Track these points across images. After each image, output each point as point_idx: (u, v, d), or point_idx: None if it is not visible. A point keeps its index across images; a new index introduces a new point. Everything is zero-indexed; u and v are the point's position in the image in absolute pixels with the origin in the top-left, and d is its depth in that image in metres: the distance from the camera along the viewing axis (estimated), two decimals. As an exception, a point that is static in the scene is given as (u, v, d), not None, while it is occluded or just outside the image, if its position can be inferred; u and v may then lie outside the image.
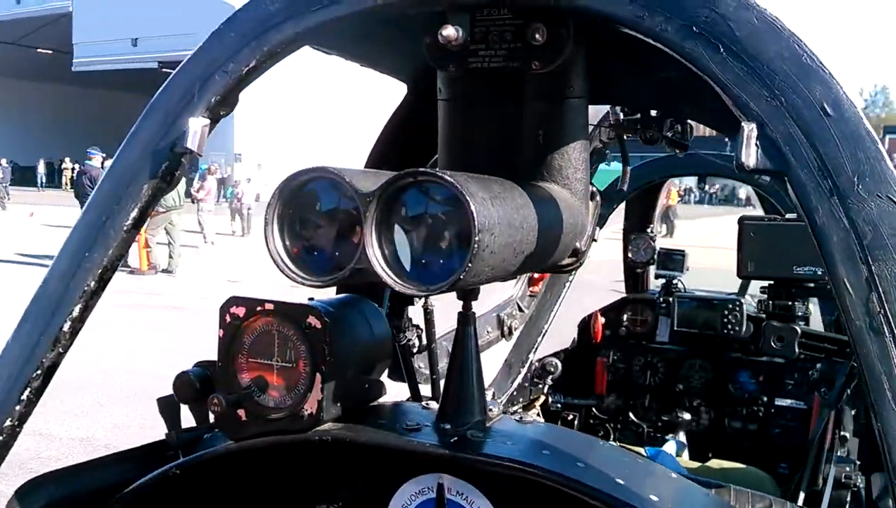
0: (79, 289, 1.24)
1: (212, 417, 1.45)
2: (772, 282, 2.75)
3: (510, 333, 3.16)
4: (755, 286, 3.76)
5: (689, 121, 1.73)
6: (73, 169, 40.55)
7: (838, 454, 2.22)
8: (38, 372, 1.24)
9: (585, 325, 3.85)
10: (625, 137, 1.75)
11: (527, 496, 1.17)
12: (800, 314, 2.67)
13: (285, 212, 1.12)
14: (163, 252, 15.61)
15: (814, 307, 3.63)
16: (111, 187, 1.27)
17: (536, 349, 3.47)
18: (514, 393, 3.39)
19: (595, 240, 1.44)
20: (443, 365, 2.20)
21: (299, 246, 1.13)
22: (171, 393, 1.39)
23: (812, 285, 2.81)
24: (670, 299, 3.67)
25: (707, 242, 15.95)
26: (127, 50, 44.45)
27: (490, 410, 1.29)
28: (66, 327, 1.24)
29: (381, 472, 1.26)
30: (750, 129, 0.95)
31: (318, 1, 1.16)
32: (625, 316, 3.83)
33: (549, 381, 3.53)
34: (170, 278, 15.23)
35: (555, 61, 1.23)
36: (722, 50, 0.97)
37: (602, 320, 3.82)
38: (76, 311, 1.24)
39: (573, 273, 3.38)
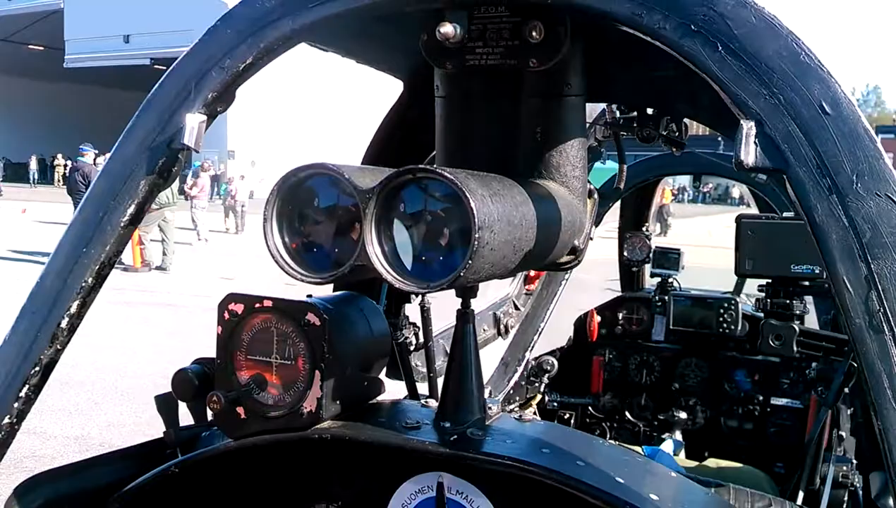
0: (76, 286, 1.24)
1: (210, 415, 1.44)
2: (769, 281, 2.76)
3: (506, 331, 3.16)
4: (750, 285, 3.76)
5: (686, 119, 1.73)
6: (65, 165, 40.41)
7: (835, 453, 2.22)
8: (36, 369, 1.23)
9: (581, 324, 3.85)
10: (621, 135, 1.76)
11: (527, 494, 1.17)
12: (798, 312, 2.68)
13: (284, 208, 1.12)
14: (156, 249, 15.56)
15: (809, 305, 3.64)
16: (108, 183, 1.26)
17: (533, 347, 3.47)
18: (511, 392, 3.39)
19: (591, 239, 1.44)
20: (439, 362, 2.20)
21: (298, 242, 1.13)
22: (169, 390, 1.39)
23: (807, 283, 2.81)
24: (666, 298, 3.67)
25: (701, 241, 15.98)
26: (119, 46, 44.28)
27: (489, 408, 1.29)
28: (63, 323, 1.24)
29: (381, 470, 1.26)
30: (749, 127, 0.95)
31: None
32: (620, 315, 3.83)
33: (545, 380, 3.54)
34: (163, 275, 15.18)
35: (552, 59, 1.23)
36: (720, 48, 0.97)
37: (598, 319, 3.82)
38: (74, 308, 1.24)
39: (569, 271, 3.39)
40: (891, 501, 1.75)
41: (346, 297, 1.38)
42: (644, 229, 4.23)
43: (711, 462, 3.00)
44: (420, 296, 1.97)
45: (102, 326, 8.76)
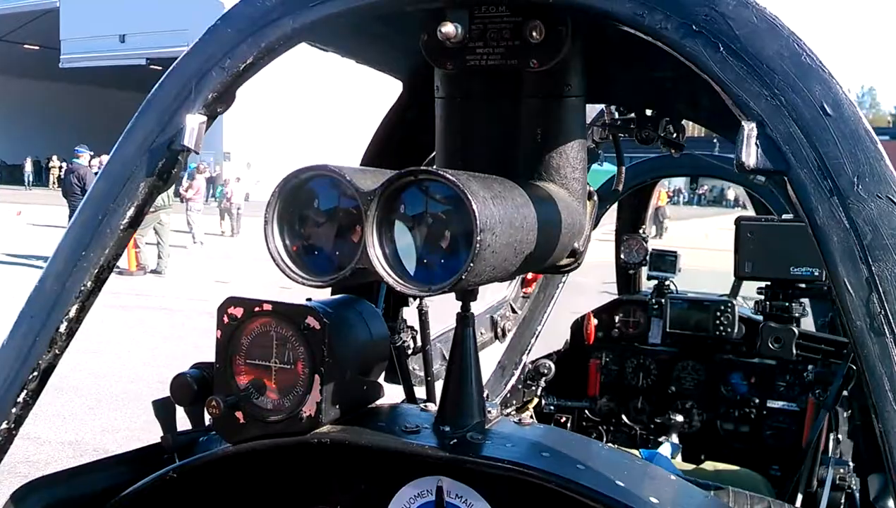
0: (75, 289, 1.23)
1: (207, 419, 1.44)
2: (768, 283, 2.76)
3: (503, 335, 3.16)
4: (746, 288, 3.77)
5: (684, 121, 1.73)
6: (60, 167, 40.30)
7: (832, 455, 2.22)
8: (35, 373, 1.23)
9: (578, 327, 3.85)
10: (619, 137, 1.75)
11: (527, 498, 1.17)
12: (797, 315, 2.68)
13: (285, 211, 1.11)
14: (152, 252, 15.53)
15: (806, 308, 3.64)
16: (107, 185, 1.26)
17: (530, 351, 3.47)
18: (508, 396, 3.39)
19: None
20: (437, 366, 2.20)
21: (299, 245, 1.12)
22: (166, 395, 1.38)
23: (803, 286, 2.81)
24: (662, 300, 3.67)
25: (697, 244, 16.01)
26: (115, 46, 44.16)
27: (489, 412, 1.29)
28: (62, 327, 1.23)
29: (380, 475, 1.25)
30: (750, 129, 0.95)
31: None
32: (617, 318, 3.83)
33: (542, 383, 3.53)
34: (159, 278, 15.16)
35: (553, 59, 1.23)
36: (721, 49, 0.97)
37: (595, 322, 3.82)
38: (73, 311, 1.23)
39: (567, 274, 3.39)
40: (890, 503, 1.75)
41: (345, 301, 1.37)
42: (641, 231, 4.23)
43: (709, 465, 3.01)
44: (418, 300, 1.97)
45: (97, 330, 8.73)
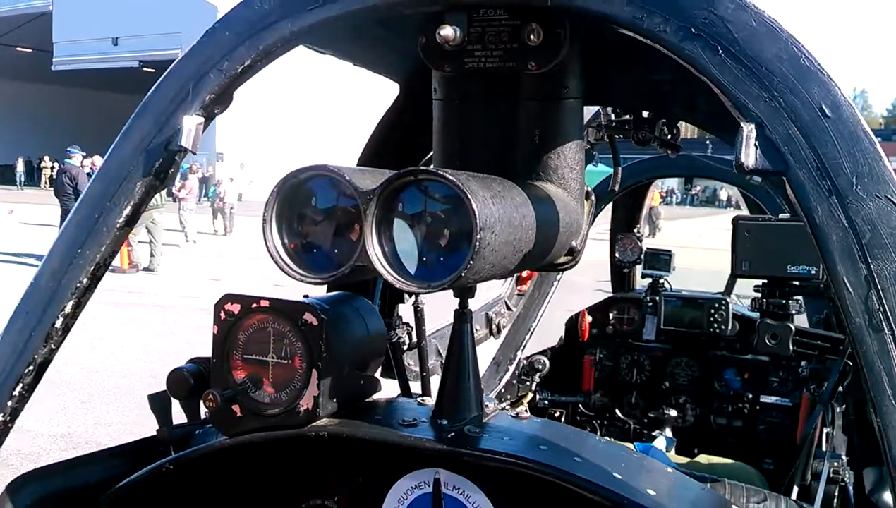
0: (71, 286, 1.23)
1: (203, 413, 1.44)
2: (765, 281, 2.78)
3: (498, 331, 3.17)
4: (740, 286, 3.78)
5: (681, 122, 1.74)
6: (52, 167, 40.13)
7: (824, 449, 2.24)
8: (31, 367, 1.23)
9: (573, 324, 3.86)
10: (615, 138, 1.76)
11: (524, 491, 1.18)
12: (793, 312, 2.70)
13: (284, 210, 1.11)
14: (144, 250, 15.49)
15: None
16: (103, 185, 1.26)
17: (524, 347, 3.48)
18: (503, 391, 3.40)
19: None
20: (431, 362, 2.20)
21: (298, 243, 1.12)
22: (162, 389, 1.39)
23: (797, 283, 2.83)
24: (657, 298, 3.68)
25: (689, 243, 16.06)
26: (107, 49, 44.01)
27: (486, 406, 1.29)
28: (58, 323, 1.23)
29: (378, 467, 1.26)
30: (749, 130, 0.96)
31: (315, 0, 1.16)
32: (612, 315, 3.85)
33: (536, 379, 3.55)
34: (151, 276, 15.11)
35: (551, 62, 1.23)
36: (720, 51, 0.98)
37: (589, 319, 3.83)
38: (68, 308, 1.24)
39: (562, 272, 3.40)
40: (885, 495, 1.77)
41: (342, 297, 1.38)
42: (635, 231, 4.25)
43: (703, 459, 3.02)
44: (414, 297, 1.97)
45: (90, 326, 8.71)
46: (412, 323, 2.06)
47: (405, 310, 2.05)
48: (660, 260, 3.92)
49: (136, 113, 1.26)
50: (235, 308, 1.24)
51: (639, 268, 4.13)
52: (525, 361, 3.53)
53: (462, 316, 1.29)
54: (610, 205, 4.17)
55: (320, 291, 1.48)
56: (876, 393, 0.90)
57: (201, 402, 1.27)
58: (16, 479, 1.31)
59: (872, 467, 1.84)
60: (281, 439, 1.22)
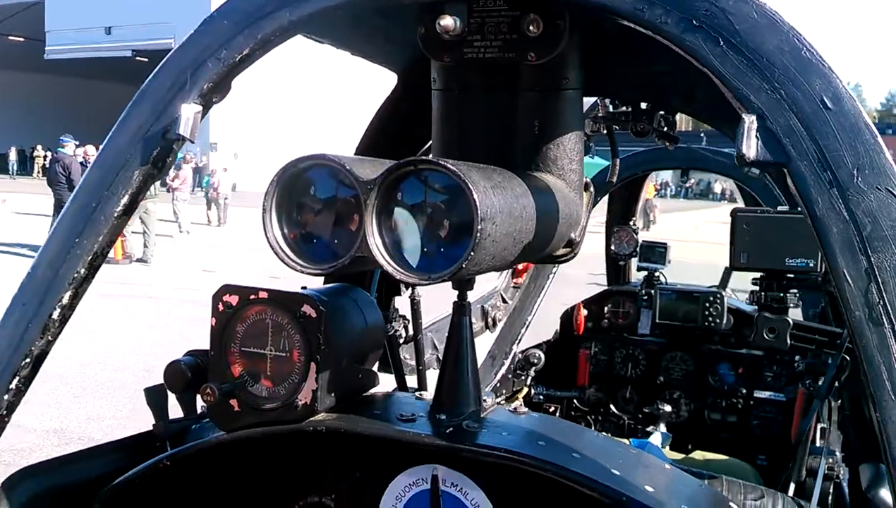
0: (68, 276, 1.22)
1: (199, 407, 1.43)
2: (763, 274, 2.78)
3: (494, 325, 3.17)
4: (735, 280, 3.78)
5: (679, 115, 1.74)
6: (44, 156, 39.93)
7: (818, 445, 2.25)
8: (27, 360, 1.22)
9: (568, 317, 3.86)
10: (613, 129, 1.76)
11: (522, 487, 1.17)
12: (791, 305, 2.71)
13: (283, 199, 1.11)
14: (138, 241, 15.44)
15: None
16: (101, 174, 1.25)
17: (520, 340, 3.47)
18: (498, 385, 3.40)
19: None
20: (427, 355, 2.20)
21: (297, 233, 1.12)
22: (158, 382, 1.38)
23: (791, 276, 2.83)
24: (652, 291, 3.68)
25: (684, 236, 16.08)
26: (100, 38, 43.72)
27: (484, 401, 1.29)
28: (55, 314, 1.22)
29: (376, 463, 1.25)
30: (750, 122, 0.96)
31: None
32: (607, 309, 3.84)
33: (532, 373, 3.54)
34: (145, 267, 15.07)
35: (551, 53, 1.23)
36: (722, 43, 0.97)
37: (584, 312, 3.83)
38: (66, 298, 1.22)
39: (557, 265, 3.39)
40: (882, 491, 1.77)
41: (340, 289, 1.37)
42: (631, 223, 4.24)
43: (698, 455, 3.02)
44: (410, 289, 1.97)
45: (83, 318, 8.67)
46: (408, 316, 2.06)
47: (401, 303, 2.05)
48: (655, 253, 3.91)
49: (134, 101, 1.25)
50: (234, 299, 1.23)
51: (634, 261, 4.12)
52: (520, 355, 3.53)
53: (461, 308, 1.29)
54: (606, 198, 4.17)
55: (317, 282, 1.48)
56: (875, 387, 0.90)
57: (198, 396, 1.26)
58: (12, 475, 1.30)
59: (869, 463, 1.84)
60: (279, 434, 1.22)
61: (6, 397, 1.22)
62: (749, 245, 2.65)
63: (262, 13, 1.17)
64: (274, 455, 1.32)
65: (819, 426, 2.28)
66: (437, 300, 2.03)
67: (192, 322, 9.46)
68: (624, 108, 1.71)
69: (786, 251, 2.59)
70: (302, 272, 1.10)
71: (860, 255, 0.91)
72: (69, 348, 7.82)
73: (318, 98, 40.18)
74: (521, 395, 3.51)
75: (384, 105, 1.77)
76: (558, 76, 1.31)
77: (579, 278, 8.59)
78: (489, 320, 3.12)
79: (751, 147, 0.95)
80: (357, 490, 1.28)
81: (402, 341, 2.04)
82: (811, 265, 2.55)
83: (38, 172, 43.14)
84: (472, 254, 1.00)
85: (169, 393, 1.37)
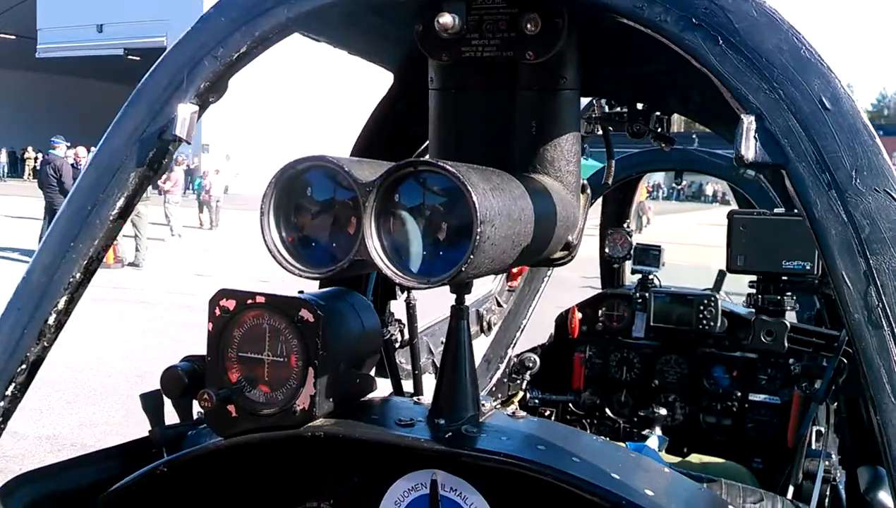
0: (64, 281, 1.21)
1: (195, 413, 1.42)
2: (760, 277, 2.79)
3: (489, 328, 3.16)
4: (729, 283, 3.78)
5: (674, 116, 1.74)
6: (36, 158, 39.74)
7: (814, 448, 2.25)
8: (23, 366, 1.20)
9: (563, 321, 3.85)
10: (609, 130, 1.76)
11: (522, 491, 1.17)
12: (788, 308, 2.71)
13: (281, 202, 1.10)
14: (129, 244, 15.36)
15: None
16: (96, 176, 1.24)
17: (515, 344, 3.47)
18: (493, 389, 3.39)
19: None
20: (423, 360, 2.19)
21: (295, 237, 1.11)
22: (154, 388, 1.37)
23: (785, 278, 2.84)
24: (646, 294, 3.68)
25: (677, 239, 16.11)
26: (92, 36, 43.50)
27: (483, 405, 1.28)
28: (51, 320, 1.21)
29: (375, 468, 1.24)
30: (749, 122, 0.95)
31: None
32: (601, 312, 3.84)
33: (527, 377, 3.53)
34: (136, 271, 14.99)
35: (549, 52, 1.23)
36: (721, 42, 0.97)
37: (579, 315, 3.82)
38: (61, 303, 1.21)
39: (552, 268, 3.39)
40: (880, 494, 1.77)
41: (337, 293, 1.36)
42: (625, 226, 4.24)
43: (695, 458, 3.02)
44: (406, 293, 1.96)
45: (74, 323, 8.59)
46: (403, 320, 2.05)
47: (397, 307, 2.04)
48: (649, 255, 3.91)
49: (129, 101, 1.24)
50: (231, 304, 1.22)
51: (628, 264, 4.12)
52: (515, 359, 3.52)
53: (459, 312, 1.28)
54: (599, 200, 4.16)
55: (311, 286, 1.47)
56: (875, 390, 0.89)
57: (195, 402, 1.25)
58: (8, 482, 1.29)
59: (867, 466, 1.84)
60: (277, 440, 1.21)
61: (2, 404, 1.20)
62: (746, 247, 2.65)
63: (260, 10, 1.16)
64: (272, 460, 1.31)
65: (815, 428, 2.28)
66: (432, 304, 2.02)
67: (184, 326, 9.41)
68: (620, 109, 1.71)
69: (782, 253, 2.59)
70: (300, 276, 1.09)
71: (859, 257, 0.91)
72: (61, 353, 7.77)
73: (311, 99, 40.10)
74: (516, 399, 3.50)
75: (380, 105, 1.76)
76: (556, 75, 1.30)
77: (573, 281, 8.59)
78: (484, 324, 3.11)
79: (749, 148, 0.95)
80: (356, 496, 1.27)
81: (397, 345, 2.03)
82: (808, 267, 2.55)
83: (29, 174, 42.93)
84: (471, 257, 0.99)
85: (165, 398, 1.36)
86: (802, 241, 2.45)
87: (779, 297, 2.68)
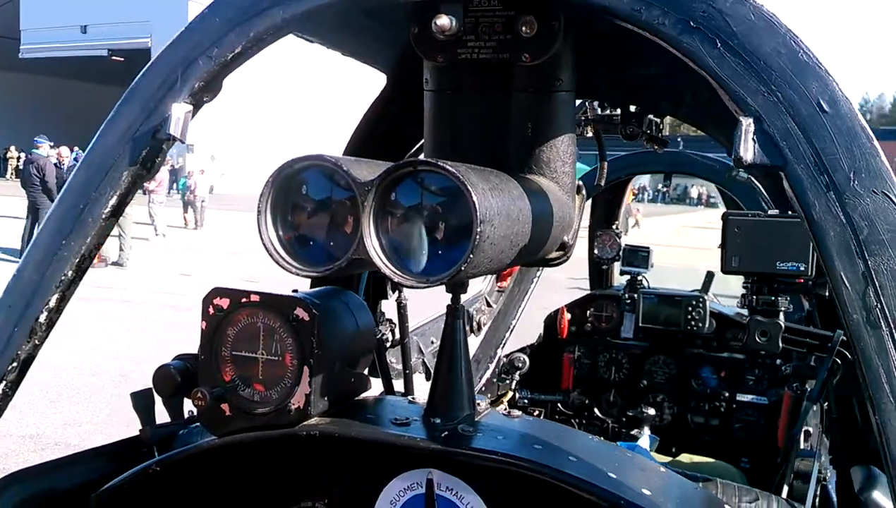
0: (55, 279, 1.20)
1: (187, 412, 1.41)
2: (754, 278, 2.80)
3: (479, 329, 3.16)
4: (717, 285, 3.80)
5: (667, 118, 1.74)
6: (18, 158, 39.41)
7: (803, 447, 2.26)
8: (14, 364, 1.19)
9: (552, 321, 3.86)
10: (601, 132, 1.76)
11: (518, 490, 1.16)
12: (782, 309, 2.73)
13: (279, 200, 1.09)
14: (113, 244, 15.24)
15: None
16: (88, 175, 1.23)
17: (504, 344, 3.47)
18: (483, 389, 3.39)
19: None
20: (413, 359, 2.19)
21: (292, 235, 1.10)
22: (145, 387, 1.35)
23: (776, 280, 2.85)
24: (635, 295, 3.69)
25: (663, 241, 16.18)
26: (76, 37, 43.15)
27: (478, 404, 1.28)
28: (42, 317, 1.20)
29: (370, 467, 1.24)
30: (747, 124, 0.96)
31: None
32: (590, 313, 3.85)
33: (516, 377, 3.54)
34: (120, 271, 14.88)
35: (545, 54, 1.23)
36: (719, 45, 0.97)
37: (568, 316, 3.83)
38: (53, 301, 1.20)
39: (541, 269, 3.39)
40: (874, 494, 1.79)
41: (331, 292, 1.35)
42: (614, 227, 4.26)
43: (685, 458, 3.04)
44: (397, 293, 1.96)
45: (58, 322, 8.54)
46: (394, 320, 2.05)
47: (388, 307, 2.04)
48: (638, 257, 3.93)
49: (123, 100, 1.23)
50: (224, 302, 1.21)
51: (617, 265, 4.14)
52: (505, 359, 3.53)
53: (454, 311, 1.28)
54: (589, 202, 4.17)
55: (304, 286, 1.46)
56: (874, 390, 0.90)
57: (186, 400, 1.24)
58: (0, 480, 1.27)
59: (860, 465, 1.86)
60: (271, 439, 1.20)
61: None
62: (740, 248, 2.66)
63: (255, 11, 1.16)
64: (266, 459, 1.31)
65: (805, 428, 2.29)
66: (421, 303, 2.02)
67: (168, 326, 9.35)
68: (609, 111, 1.72)
69: (777, 255, 2.61)
70: (298, 274, 1.09)
71: (857, 259, 0.92)
72: (45, 352, 7.67)
73: (298, 100, 39.97)
74: (505, 399, 3.50)
75: (373, 106, 1.76)
76: (552, 77, 1.31)
77: (562, 282, 8.60)
78: (474, 324, 3.11)
79: (748, 150, 0.95)
80: (351, 495, 1.27)
81: (388, 345, 2.03)
82: (802, 268, 2.57)
83: (12, 174, 42.54)
84: (470, 256, 0.99)
85: (156, 397, 1.35)
86: (797, 243, 2.46)
87: (773, 298, 2.70)
